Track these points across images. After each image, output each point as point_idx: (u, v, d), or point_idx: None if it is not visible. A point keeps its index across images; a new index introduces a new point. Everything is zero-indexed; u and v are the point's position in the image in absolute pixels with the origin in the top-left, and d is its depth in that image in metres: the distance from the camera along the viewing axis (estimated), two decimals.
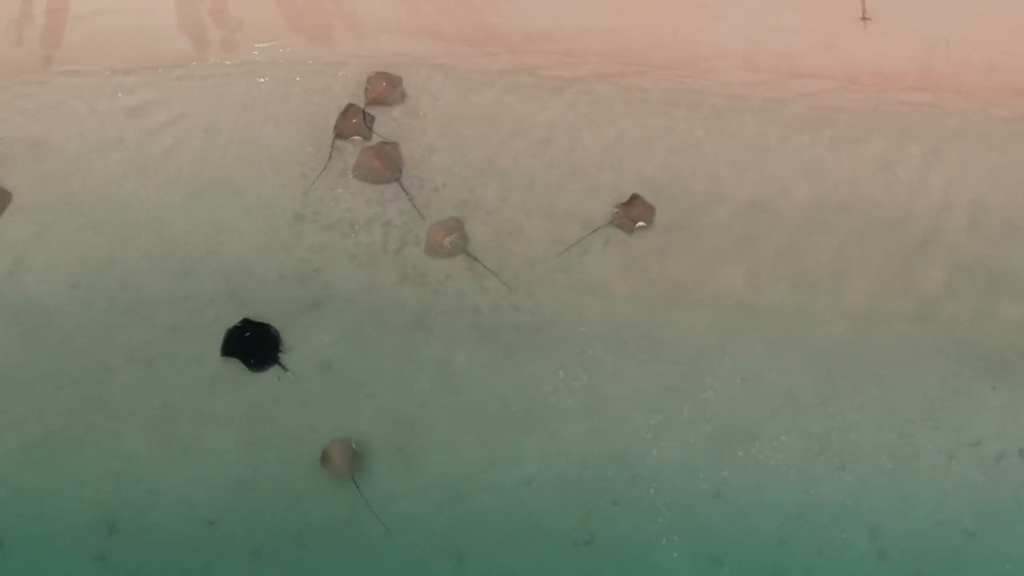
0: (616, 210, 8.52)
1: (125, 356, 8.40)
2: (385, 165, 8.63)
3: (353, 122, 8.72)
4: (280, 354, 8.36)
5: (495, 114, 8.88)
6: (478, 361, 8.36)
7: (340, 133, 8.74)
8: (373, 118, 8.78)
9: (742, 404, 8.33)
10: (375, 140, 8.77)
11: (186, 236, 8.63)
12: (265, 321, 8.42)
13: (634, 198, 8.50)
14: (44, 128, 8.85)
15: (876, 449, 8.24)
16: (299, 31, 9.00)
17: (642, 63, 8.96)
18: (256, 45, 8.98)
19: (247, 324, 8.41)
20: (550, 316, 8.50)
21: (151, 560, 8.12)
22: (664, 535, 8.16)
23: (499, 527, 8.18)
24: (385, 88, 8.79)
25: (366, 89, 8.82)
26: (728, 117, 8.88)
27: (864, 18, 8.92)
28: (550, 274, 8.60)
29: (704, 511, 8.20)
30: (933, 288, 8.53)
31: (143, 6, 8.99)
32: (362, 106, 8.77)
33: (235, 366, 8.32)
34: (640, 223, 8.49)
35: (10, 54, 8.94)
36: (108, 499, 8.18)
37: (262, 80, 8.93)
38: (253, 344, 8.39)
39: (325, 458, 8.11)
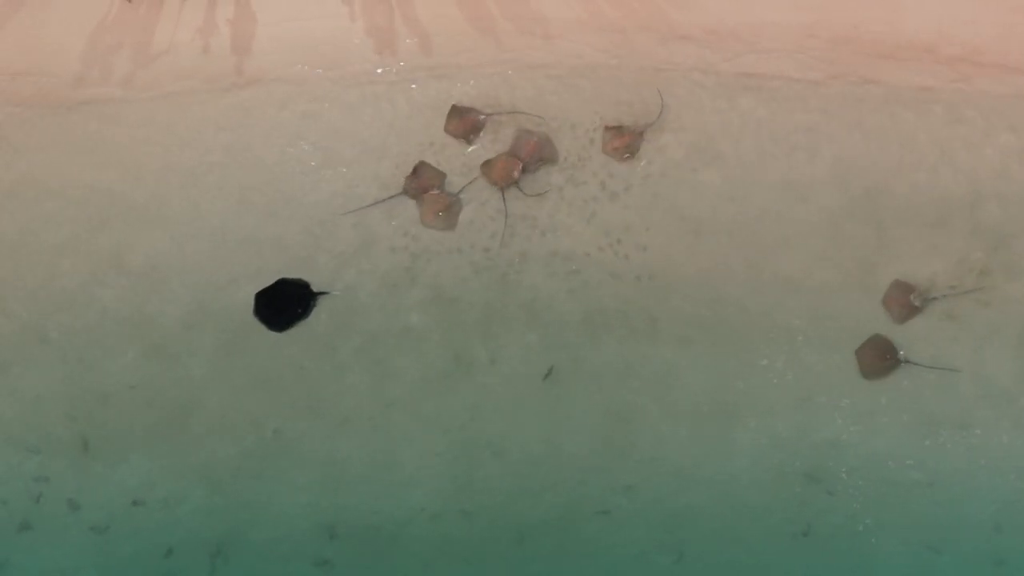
0: None
1: (331, 360, 8.46)
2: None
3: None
4: (310, 291, 8.45)
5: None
6: (693, 357, 8.43)
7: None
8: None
9: (949, 393, 8.36)
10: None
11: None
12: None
13: None
14: (228, 136, 8.89)
15: None
16: (485, 34, 9.01)
17: (827, 56, 8.98)
18: (441, 51, 8.97)
19: (264, 293, 8.46)
20: (748, 309, 8.56)
21: (373, 564, 8.15)
22: (881, 525, 8.19)
23: (717, 521, 8.23)
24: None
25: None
26: (916, 110, 8.89)
27: None
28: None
29: (919, 500, 8.23)
30: None
31: (328, 12, 9.01)
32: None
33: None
34: None
35: (196, 63, 8.97)
36: (327, 503, 8.21)
37: (450, 85, 8.93)
38: (283, 301, 8.46)
39: None
